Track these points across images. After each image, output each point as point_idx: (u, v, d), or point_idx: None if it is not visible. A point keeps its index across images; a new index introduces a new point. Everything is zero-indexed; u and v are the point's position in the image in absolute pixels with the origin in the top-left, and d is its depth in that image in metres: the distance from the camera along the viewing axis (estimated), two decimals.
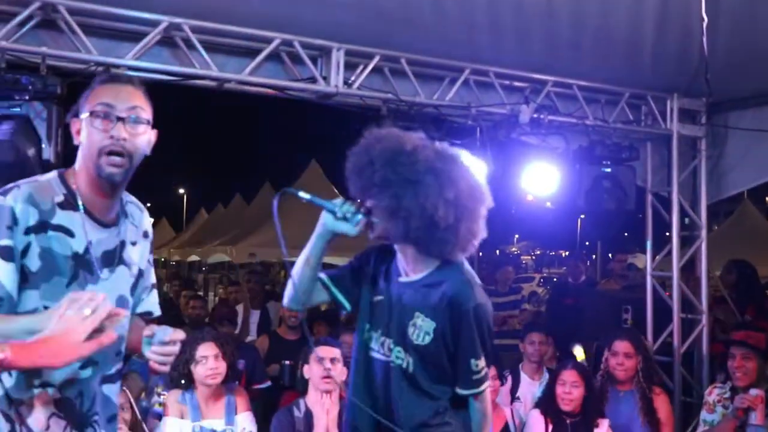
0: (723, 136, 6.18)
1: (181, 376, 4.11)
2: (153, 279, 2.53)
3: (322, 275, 2.84)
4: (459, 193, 2.58)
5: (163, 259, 28.18)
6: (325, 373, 4.00)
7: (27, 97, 4.07)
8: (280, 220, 2.61)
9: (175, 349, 2.19)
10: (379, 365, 2.77)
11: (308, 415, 4.04)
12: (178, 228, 32.56)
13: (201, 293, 11.71)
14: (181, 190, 62.64)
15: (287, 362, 5.25)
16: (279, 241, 2.59)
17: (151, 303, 2.52)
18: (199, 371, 4.08)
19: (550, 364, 5.54)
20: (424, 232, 2.57)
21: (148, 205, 2.62)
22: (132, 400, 3.86)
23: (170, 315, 7.53)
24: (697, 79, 5.51)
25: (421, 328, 2.66)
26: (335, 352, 4.11)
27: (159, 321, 2.42)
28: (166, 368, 2.24)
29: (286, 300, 2.86)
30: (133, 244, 2.37)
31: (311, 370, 4.08)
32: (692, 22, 4.98)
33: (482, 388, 2.74)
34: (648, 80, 5.72)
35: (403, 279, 2.76)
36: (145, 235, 2.44)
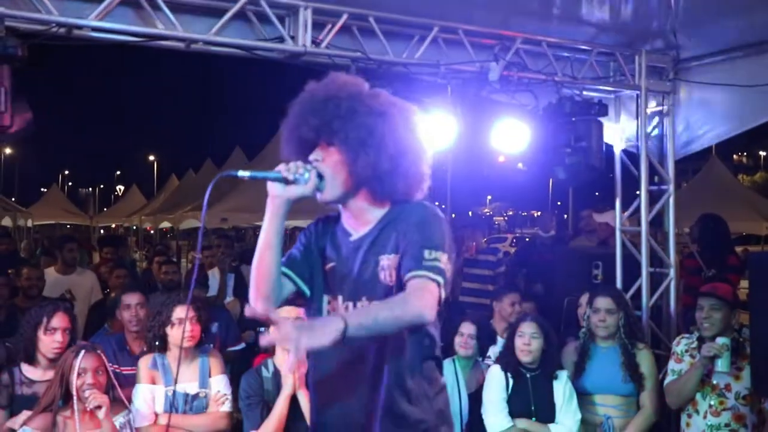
0: (690, 91, 6.21)
1: (156, 338, 4.11)
2: None
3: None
4: (417, 130, 2.55)
5: (134, 227, 27.96)
6: None
7: None
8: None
9: None
10: None
11: (276, 374, 4.08)
12: (149, 195, 32.33)
13: (174, 259, 11.63)
14: (152, 157, 61.99)
15: (262, 329, 5.28)
16: (202, 219, 2.92)
17: None
18: (175, 334, 4.08)
19: None
20: (389, 166, 2.44)
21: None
22: (107, 363, 3.85)
23: (143, 281, 7.53)
24: (664, 34, 5.54)
25: (390, 267, 2.47)
26: (298, 312, 4.13)
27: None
28: None
29: (258, 302, 2.49)
30: None
31: None
32: None
33: (435, 276, 2.34)
34: (616, 36, 5.72)
35: (354, 237, 2.59)
36: None
